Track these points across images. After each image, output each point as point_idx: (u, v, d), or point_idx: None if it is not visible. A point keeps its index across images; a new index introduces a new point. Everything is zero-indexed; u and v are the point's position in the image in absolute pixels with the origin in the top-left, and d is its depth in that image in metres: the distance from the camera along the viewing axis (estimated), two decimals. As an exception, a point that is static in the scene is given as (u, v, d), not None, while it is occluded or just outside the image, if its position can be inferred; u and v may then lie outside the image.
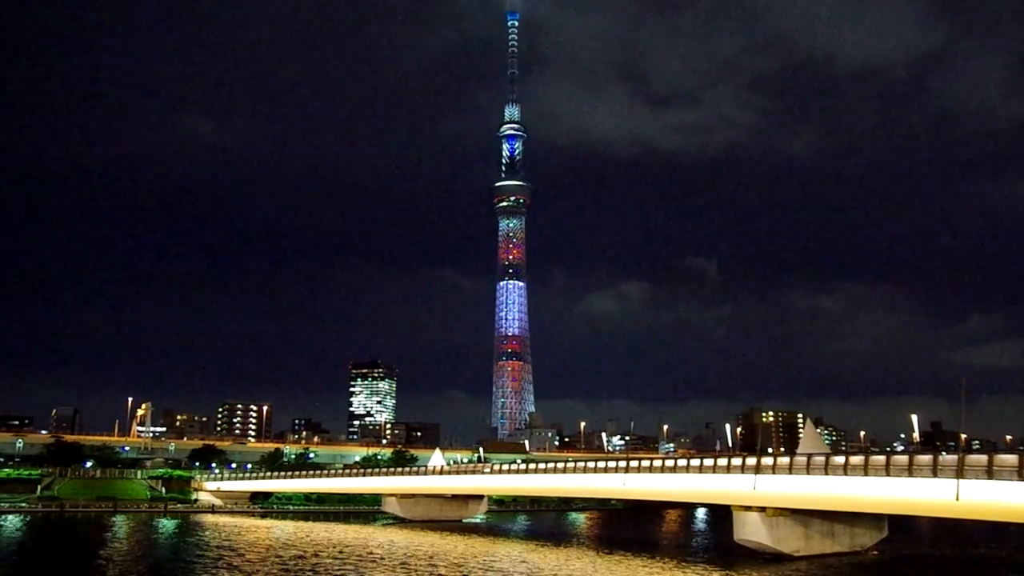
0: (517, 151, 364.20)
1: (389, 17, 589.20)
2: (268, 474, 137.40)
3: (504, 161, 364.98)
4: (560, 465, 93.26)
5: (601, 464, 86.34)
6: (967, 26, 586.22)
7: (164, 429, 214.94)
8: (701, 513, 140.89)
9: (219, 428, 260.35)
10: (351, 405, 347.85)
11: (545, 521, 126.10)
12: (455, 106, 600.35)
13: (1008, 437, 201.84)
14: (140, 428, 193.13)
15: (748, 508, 66.97)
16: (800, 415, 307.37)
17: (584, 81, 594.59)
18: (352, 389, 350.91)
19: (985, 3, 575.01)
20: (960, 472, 51.89)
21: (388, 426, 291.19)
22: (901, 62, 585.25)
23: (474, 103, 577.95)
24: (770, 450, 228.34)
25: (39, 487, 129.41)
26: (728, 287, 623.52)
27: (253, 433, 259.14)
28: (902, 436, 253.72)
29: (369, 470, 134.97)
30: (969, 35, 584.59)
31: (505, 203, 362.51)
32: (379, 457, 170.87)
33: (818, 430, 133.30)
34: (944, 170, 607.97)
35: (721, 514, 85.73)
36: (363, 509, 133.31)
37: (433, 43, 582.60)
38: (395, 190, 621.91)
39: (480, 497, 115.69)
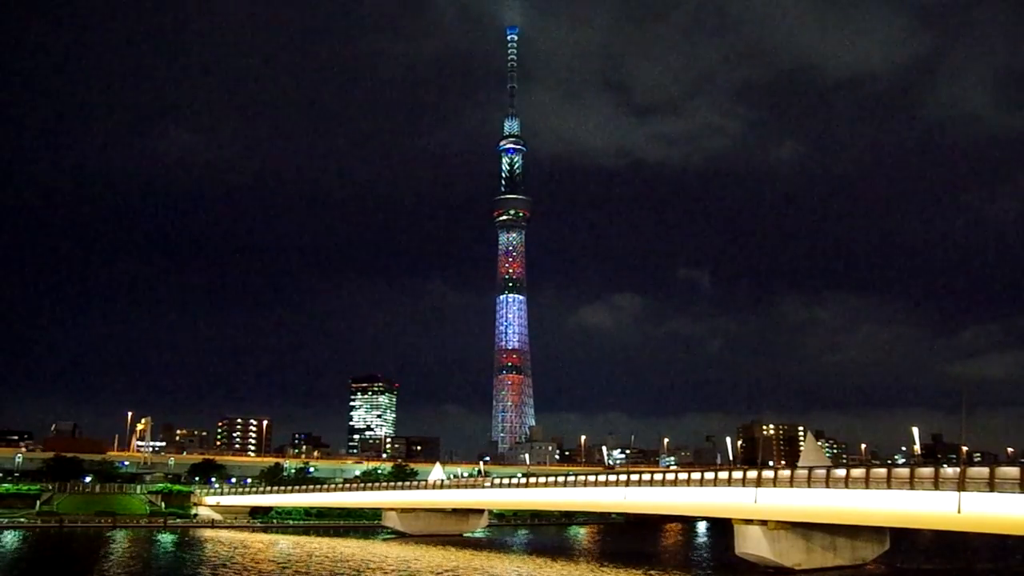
0: (517, 165, 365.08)
1: (374, 30, 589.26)
2: (268, 489, 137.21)
3: (504, 175, 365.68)
4: (561, 479, 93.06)
5: (602, 478, 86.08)
6: (954, 36, 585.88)
7: (163, 444, 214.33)
8: (702, 527, 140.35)
9: (219, 442, 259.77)
10: (351, 419, 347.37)
11: (546, 535, 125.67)
12: (445, 119, 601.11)
13: (1009, 449, 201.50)
14: (140, 443, 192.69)
15: (749, 522, 66.79)
16: (800, 428, 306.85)
17: (568, 92, 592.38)
18: (352, 403, 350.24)
19: (972, 13, 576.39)
20: (962, 484, 51.89)
21: (388, 440, 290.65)
22: (888, 72, 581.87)
23: (461, 115, 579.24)
24: (771, 463, 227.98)
25: (38, 502, 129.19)
26: (722, 299, 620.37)
27: (253, 447, 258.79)
28: (903, 449, 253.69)
29: (369, 484, 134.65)
30: (956, 45, 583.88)
31: (505, 217, 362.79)
32: (379, 471, 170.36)
33: (819, 443, 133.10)
34: (934, 180, 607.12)
35: (722, 528, 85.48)
36: (363, 524, 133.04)
37: (417, 55, 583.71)
38: (391, 204, 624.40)
39: (481, 511, 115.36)
